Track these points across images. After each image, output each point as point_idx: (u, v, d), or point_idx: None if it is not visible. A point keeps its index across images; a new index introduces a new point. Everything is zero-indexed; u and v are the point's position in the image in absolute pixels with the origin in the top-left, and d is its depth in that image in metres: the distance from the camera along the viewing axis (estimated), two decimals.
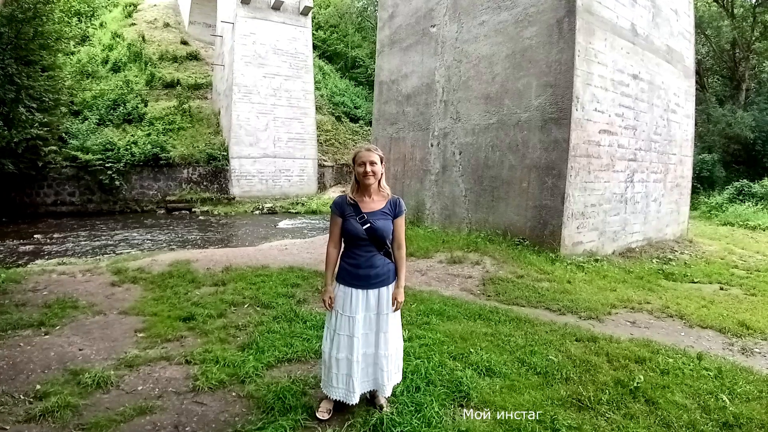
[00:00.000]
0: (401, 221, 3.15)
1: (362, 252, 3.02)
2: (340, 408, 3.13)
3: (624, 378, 3.69)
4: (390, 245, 3.11)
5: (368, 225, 2.99)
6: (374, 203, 3.07)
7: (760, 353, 4.68)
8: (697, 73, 20.00)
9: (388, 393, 3.16)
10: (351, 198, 3.07)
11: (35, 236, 13.72)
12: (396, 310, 3.12)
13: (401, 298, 3.13)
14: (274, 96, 23.73)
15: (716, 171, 20.68)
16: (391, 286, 3.10)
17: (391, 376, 3.13)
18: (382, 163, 3.07)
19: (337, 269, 3.11)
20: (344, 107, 31.18)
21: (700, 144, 21.52)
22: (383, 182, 3.11)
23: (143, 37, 27.92)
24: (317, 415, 3.05)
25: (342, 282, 3.06)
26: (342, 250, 3.13)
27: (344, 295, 3.04)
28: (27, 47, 15.12)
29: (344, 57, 36.43)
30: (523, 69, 8.64)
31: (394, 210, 3.10)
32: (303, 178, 24.72)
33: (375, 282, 3.03)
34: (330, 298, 3.08)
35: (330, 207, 3.11)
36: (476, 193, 9.46)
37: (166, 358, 3.96)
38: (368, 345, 3.06)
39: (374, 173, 3.00)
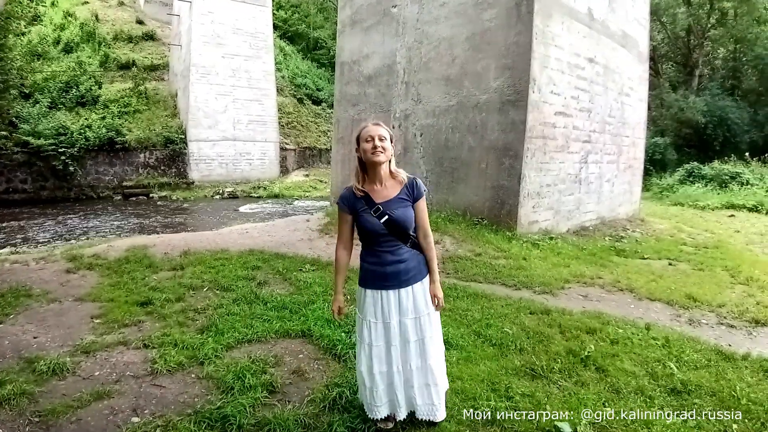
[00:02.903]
0: (423, 204, 2.68)
1: (385, 248, 2.60)
2: None
3: (575, 348, 3.84)
4: (415, 235, 2.67)
5: (386, 217, 2.55)
6: (388, 190, 2.62)
7: (707, 324, 4.88)
8: (652, 59, 20.59)
9: (441, 414, 2.77)
10: (359, 189, 2.61)
11: None
12: (438, 308, 2.71)
13: (440, 293, 2.70)
14: (233, 77, 23.20)
15: (668, 154, 21.41)
16: (425, 282, 2.69)
17: (440, 392, 2.74)
18: (392, 142, 2.62)
19: (359, 273, 2.72)
20: (306, 89, 30.79)
21: (653, 128, 22.25)
22: (394, 166, 2.67)
23: (97, 17, 26.80)
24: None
25: (368, 286, 2.66)
26: (361, 250, 2.72)
27: (374, 301, 2.63)
28: None
29: (306, 38, 35.86)
30: (483, 51, 8.72)
31: (412, 193, 2.63)
32: (264, 162, 24.37)
33: (406, 279, 2.61)
34: (339, 307, 2.75)
35: (336, 203, 2.71)
36: (437, 174, 9.56)
37: (124, 343, 3.92)
38: (407, 355, 2.66)
39: (384, 149, 2.54)
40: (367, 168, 2.62)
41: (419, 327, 2.64)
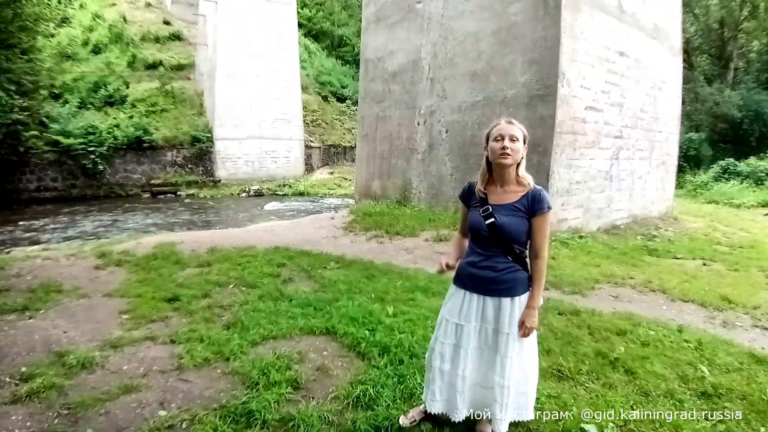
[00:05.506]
0: (541, 222, 2.41)
1: (483, 251, 2.48)
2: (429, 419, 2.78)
3: (605, 349, 3.76)
4: (522, 250, 2.47)
5: (492, 220, 2.40)
6: (506, 194, 2.45)
7: (741, 326, 4.77)
8: (685, 51, 20.00)
9: (503, 429, 2.54)
10: (481, 190, 2.50)
11: (19, 223, 13.56)
12: (524, 335, 2.43)
13: (530, 322, 2.42)
14: (258, 76, 23.34)
15: (703, 149, 20.80)
16: (519, 300, 2.45)
17: (509, 409, 2.51)
18: (525, 143, 2.44)
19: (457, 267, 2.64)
20: (331, 87, 30.87)
21: (688, 123, 21.62)
22: (523, 170, 2.47)
23: (124, 18, 27.31)
24: (400, 420, 2.76)
25: (456, 282, 2.58)
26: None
27: (455, 297, 2.55)
28: (6, 30, 14.72)
29: (330, 35, 35.98)
30: (509, 46, 8.58)
31: (530, 205, 2.40)
32: (289, 160, 24.51)
33: (494, 289, 2.44)
34: (447, 263, 2.60)
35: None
36: (463, 171, 9.45)
37: (151, 338, 3.96)
38: (481, 362, 2.53)
39: (513, 152, 2.37)
40: (493, 168, 2.47)
41: (500, 341, 2.45)
